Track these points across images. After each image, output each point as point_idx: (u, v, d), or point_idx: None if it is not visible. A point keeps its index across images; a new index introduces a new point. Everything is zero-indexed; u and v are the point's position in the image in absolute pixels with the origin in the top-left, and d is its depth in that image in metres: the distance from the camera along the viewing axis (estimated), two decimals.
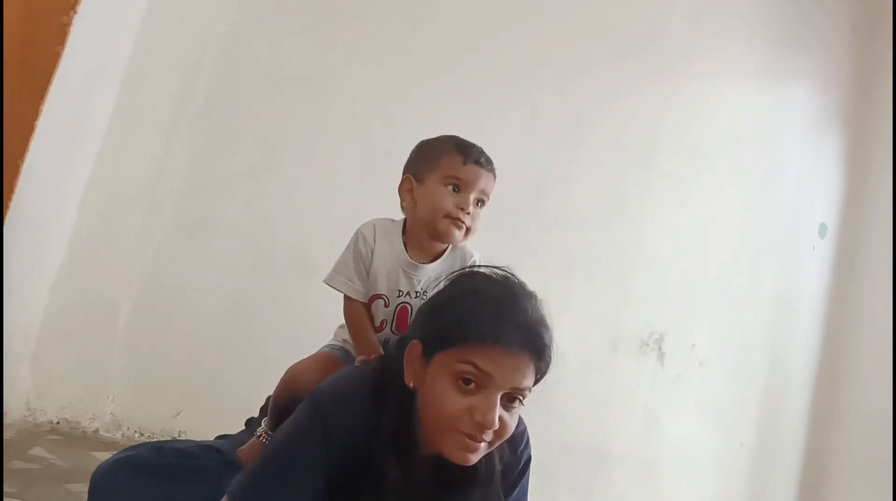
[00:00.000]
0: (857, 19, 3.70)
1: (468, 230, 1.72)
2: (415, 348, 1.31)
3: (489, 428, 1.22)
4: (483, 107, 3.03)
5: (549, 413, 3.13)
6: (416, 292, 1.71)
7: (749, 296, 3.45)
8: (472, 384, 1.23)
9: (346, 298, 1.74)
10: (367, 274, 1.73)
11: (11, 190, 1.98)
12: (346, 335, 1.77)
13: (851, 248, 3.53)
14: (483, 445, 1.26)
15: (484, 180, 1.72)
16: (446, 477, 1.31)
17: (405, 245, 1.75)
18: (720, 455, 3.33)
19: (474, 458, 1.26)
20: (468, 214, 1.70)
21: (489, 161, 1.74)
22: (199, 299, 2.92)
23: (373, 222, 1.78)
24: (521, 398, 1.27)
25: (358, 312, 1.72)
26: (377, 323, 1.72)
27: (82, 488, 1.41)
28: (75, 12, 2.04)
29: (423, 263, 1.74)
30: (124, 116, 2.88)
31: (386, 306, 1.72)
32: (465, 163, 1.70)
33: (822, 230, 3.57)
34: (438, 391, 1.25)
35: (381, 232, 1.75)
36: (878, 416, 3.10)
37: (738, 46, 3.56)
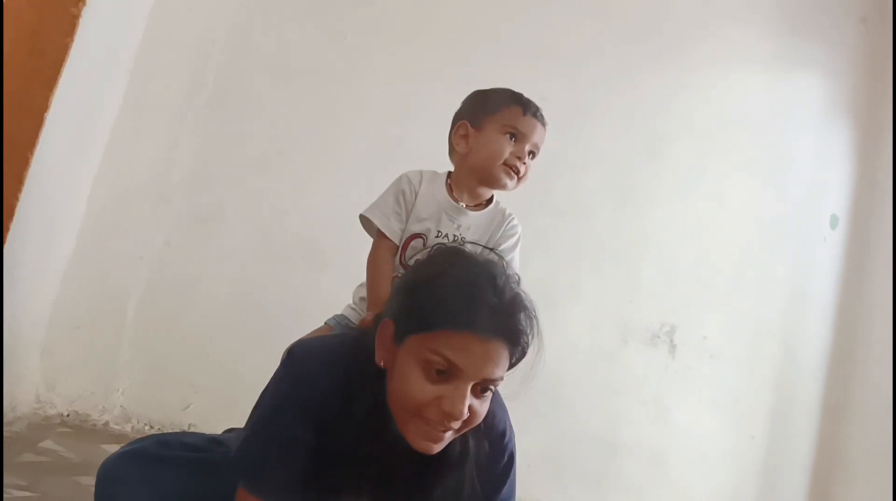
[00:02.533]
0: (866, 10, 3.67)
1: (520, 179, 1.79)
2: (387, 327, 1.27)
3: (457, 419, 1.19)
4: None
5: (560, 404, 3.14)
6: (455, 235, 1.75)
7: (760, 287, 3.43)
8: (444, 374, 1.19)
9: (377, 239, 1.76)
10: (407, 217, 1.76)
11: (21, 181, 1.98)
12: (363, 293, 1.78)
13: (863, 238, 3.51)
14: (449, 433, 1.23)
15: (539, 134, 1.79)
16: (420, 456, 1.26)
17: (450, 189, 1.80)
18: (731, 446, 3.32)
19: (437, 447, 1.23)
20: (524, 163, 1.77)
21: (544, 116, 1.81)
22: (208, 291, 2.92)
23: (418, 170, 1.83)
24: (492, 387, 1.23)
25: (383, 254, 1.74)
26: (412, 262, 1.72)
27: (92, 481, 1.41)
28: (84, 3, 2.04)
29: (468, 208, 1.79)
30: (134, 107, 2.88)
31: (424, 245, 1.74)
32: (524, 114, 1.76)
33: (834, 222, 3.55)
34: (408, 376, 1.21)
35: (426, 177, 1.81)
36: (890, 407, 3.09)
37: (747, 34, 3.53)
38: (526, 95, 1.85)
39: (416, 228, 1.75)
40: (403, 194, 1.77)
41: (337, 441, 1.27)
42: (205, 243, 2.94)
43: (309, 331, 1.79)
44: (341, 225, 2.98)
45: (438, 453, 1.26)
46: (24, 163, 1.97)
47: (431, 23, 3.22)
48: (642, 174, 3.37)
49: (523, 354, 1.24)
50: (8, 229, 1.97)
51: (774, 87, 3.56)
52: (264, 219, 3.00)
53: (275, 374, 1.37)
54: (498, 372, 1.21)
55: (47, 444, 2.43)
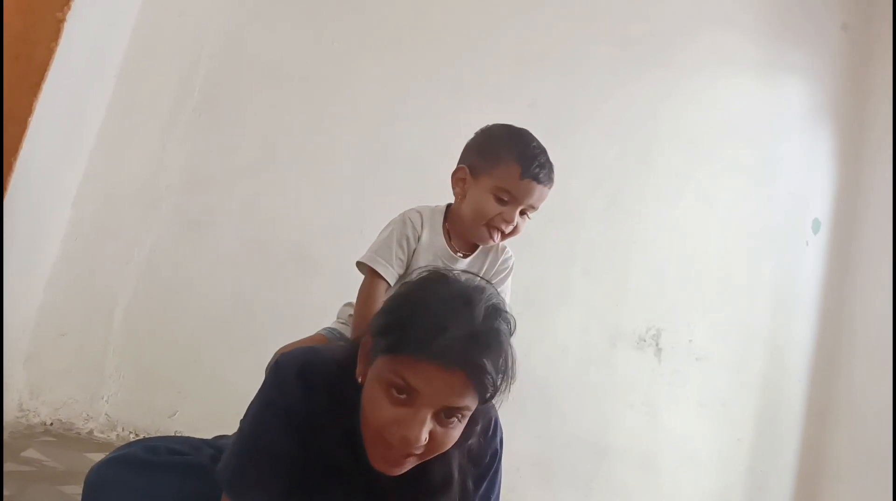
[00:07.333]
0: (848, 17, 3.72)
1: (506, 236, 1.73)
2: (366, 343, 1.26)
3: (413, 445, 1.16)
4: (482, 101, 3.02)
5: (550, 407, 3.15)
6: None
7: (746, 291, 3.45)
8: (404, 396, 1.16)
9: (373, 276, 1.71)
10: (409, 262, 1.72)
11: (5, 187, 1.96)
12: (351, 311, 1.76)
13: (847, 242, 3.54)
14: (411, 458, 1.20)
15: (536, 195, 1.71)
16: (402, 478, 1.25)
17: (447, 233, 1.77)
18: (719, 448, 3.34)
19: (398, 470, 1.21)
20: (511, 224, 1.70)
21: (548, 175, 1.72)
22: (197, 297, 2.90)
23: (417, 209, 1.79)
24: (459, 415, 1.19)
25: (377, 292, 1.69)
26: None
27: (76, 490, 1.40)
28: (70, 8, 2.03)
29: (463, 252, 1.77)
30: (121, 113, 2.86)
31: None
32: (521, 177, 1.68)
33: (816, 226, 3.58)
34: (372, 395, 1.20)
35: (426, 220, 1.76)
36: (876, 409, 3.12)
37: (733, 40, 3.57)
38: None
39: (409, 275, 1.71)
40: (407, 239, 1.73)
41: (319, 455, 1.26)
42: (193, 249, 2.91)
43: (297, 337, 1.79)
44: (331, 230, 2.99)
45: (424, 475, 1.25)
46: (8, 169, 1.95)
47: (420, 28, 3.22)
48: (630, 179, 3.39)
49: (493, 390, 1.19)
50: None
51: (759, 92, 3.60)
52: (254, 224, 2.98)
53: (262, 383, 1.36)
54: (462, 402, 1.17)
55: (30, 453, 2.39)
